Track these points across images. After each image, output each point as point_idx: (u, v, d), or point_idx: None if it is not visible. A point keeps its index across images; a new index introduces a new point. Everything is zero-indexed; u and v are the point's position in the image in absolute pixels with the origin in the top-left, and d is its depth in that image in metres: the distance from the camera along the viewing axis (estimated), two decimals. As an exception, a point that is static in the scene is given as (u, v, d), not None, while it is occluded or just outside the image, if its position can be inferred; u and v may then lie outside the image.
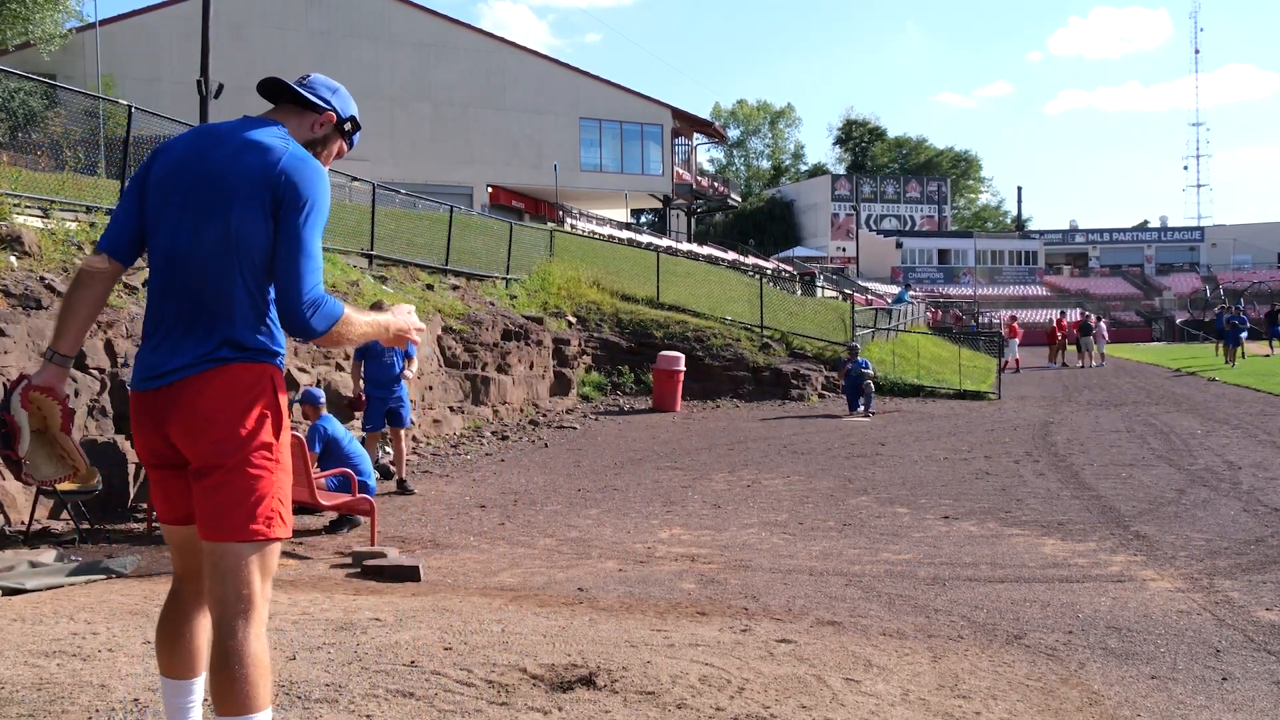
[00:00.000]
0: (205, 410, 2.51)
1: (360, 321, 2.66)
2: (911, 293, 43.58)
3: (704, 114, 58.38)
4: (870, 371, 17.42)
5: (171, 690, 2.71)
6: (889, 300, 39.00)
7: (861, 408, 16.69)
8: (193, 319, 2.55)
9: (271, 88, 2.73)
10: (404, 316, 2.87)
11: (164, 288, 2.60)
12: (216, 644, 2.48)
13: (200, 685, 2.72)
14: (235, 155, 2.57)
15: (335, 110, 2.78)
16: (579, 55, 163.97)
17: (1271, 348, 31.35)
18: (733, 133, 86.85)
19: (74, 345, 2.69)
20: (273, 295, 2.58)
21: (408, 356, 9.78)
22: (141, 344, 2.66)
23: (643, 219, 61.36)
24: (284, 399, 2.64)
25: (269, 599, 2.59)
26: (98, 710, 3.48)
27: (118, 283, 2.81)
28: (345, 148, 2.89)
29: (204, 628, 2.67)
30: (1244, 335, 28.48)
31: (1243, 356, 28.35)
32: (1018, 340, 30.74)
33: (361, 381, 9.79)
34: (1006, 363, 28.30)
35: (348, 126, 2.83)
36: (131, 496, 8.18)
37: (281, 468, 2.60)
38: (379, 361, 9.59)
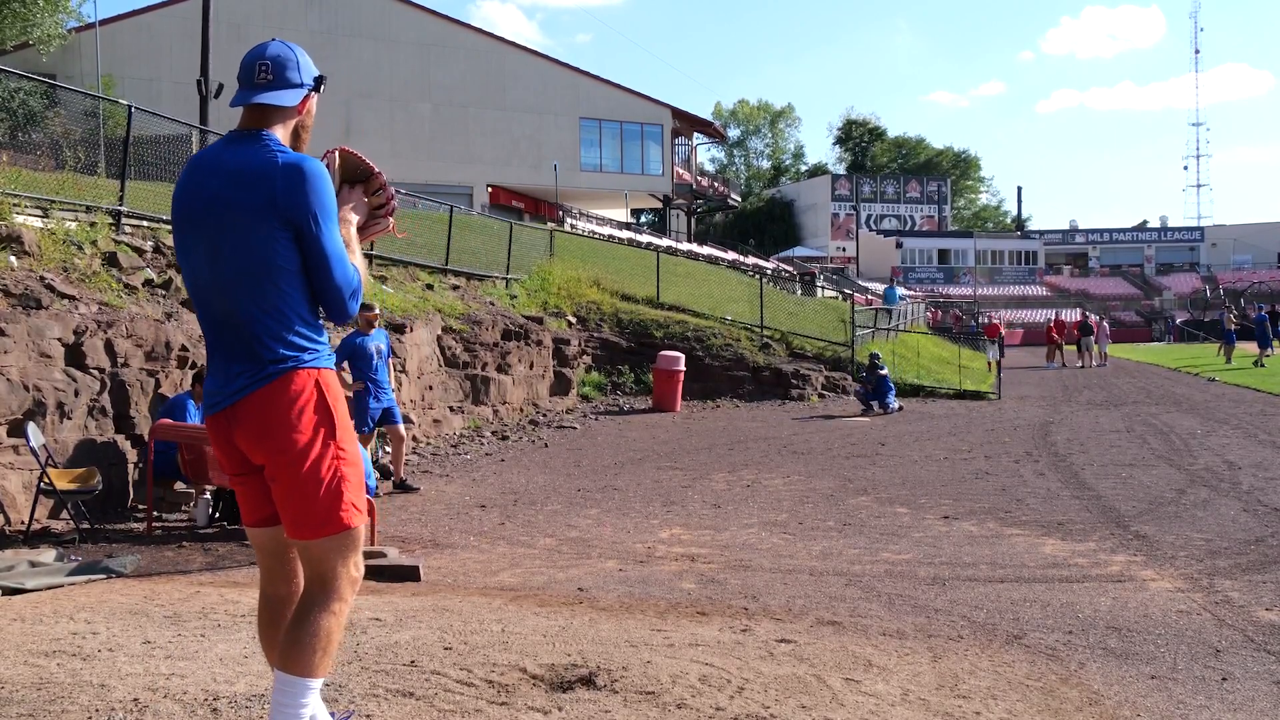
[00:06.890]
0: (262, 425, 2.71)
1: (361, 264, 2.84)
2: (902, 291, 43.38)
3: (702, 114, 58.37)
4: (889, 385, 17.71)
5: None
6: (888, 300, 38.92)
7: (879, 410, 16.86)
8: (232, 344, 2.73)
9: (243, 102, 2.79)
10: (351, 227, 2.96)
11: (204, 318, 2.81)
12: (297, 609, 2.80)
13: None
14: (233, 183, 2.67)
15: (308, 88, 2.84)
16: (570, 55, 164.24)
17: (1271, 348, 31.30)
18: (733, 133, 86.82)
19: None
20: (302, 300, 2.75)
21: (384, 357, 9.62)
22: (206, 374, 2.88)
23: (643, 219, 61.34)
24: (334, 395, 2.79)
25: (356, 579, 2.84)
26: (98, 710, 3.48)
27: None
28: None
29: None
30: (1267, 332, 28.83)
31: (1227, 361, 28.58)
32: (999, 339, 29.44)
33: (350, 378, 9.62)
34: (996, 361, 27.93)
35: (322, 89, 2.91)
36: (131, 496, 8.19)
37: (346, 461, 2.77)
38: (367, 363, 9.41)
